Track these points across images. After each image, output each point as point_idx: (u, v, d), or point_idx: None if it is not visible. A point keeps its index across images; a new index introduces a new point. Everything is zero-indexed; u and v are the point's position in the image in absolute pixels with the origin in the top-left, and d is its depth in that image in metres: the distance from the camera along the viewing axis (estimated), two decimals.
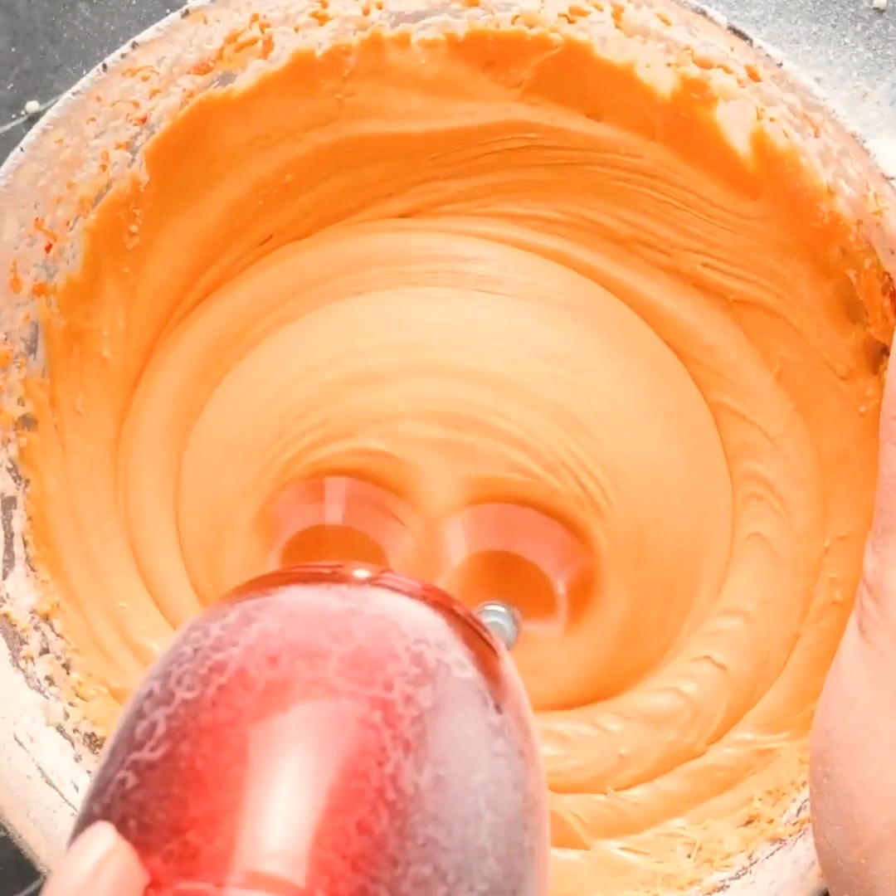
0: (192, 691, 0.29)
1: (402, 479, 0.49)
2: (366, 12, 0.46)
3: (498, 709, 0.31)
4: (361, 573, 0.33)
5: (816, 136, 0.44)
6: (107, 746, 0.30)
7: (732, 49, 0.44)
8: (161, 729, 0.29)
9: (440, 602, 0.33)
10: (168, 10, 0.45)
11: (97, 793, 0.29)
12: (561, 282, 0.51)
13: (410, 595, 0.33)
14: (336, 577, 0.33)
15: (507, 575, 0.50)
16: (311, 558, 0.52)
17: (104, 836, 0.27)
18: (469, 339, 0.50)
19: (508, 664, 0.34)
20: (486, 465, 0.48)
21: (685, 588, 0.51)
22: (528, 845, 0.30)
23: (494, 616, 0.46)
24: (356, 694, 0.29)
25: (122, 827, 0.27)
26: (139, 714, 0.29)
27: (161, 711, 0.29)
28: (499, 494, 0.49)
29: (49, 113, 0.45)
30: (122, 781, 0.28)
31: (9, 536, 0.49)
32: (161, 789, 0.27)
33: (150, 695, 0.30)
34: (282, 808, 0.27)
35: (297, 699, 0.28)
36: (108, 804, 0.28)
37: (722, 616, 0.51)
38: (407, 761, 0.28)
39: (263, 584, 0.33)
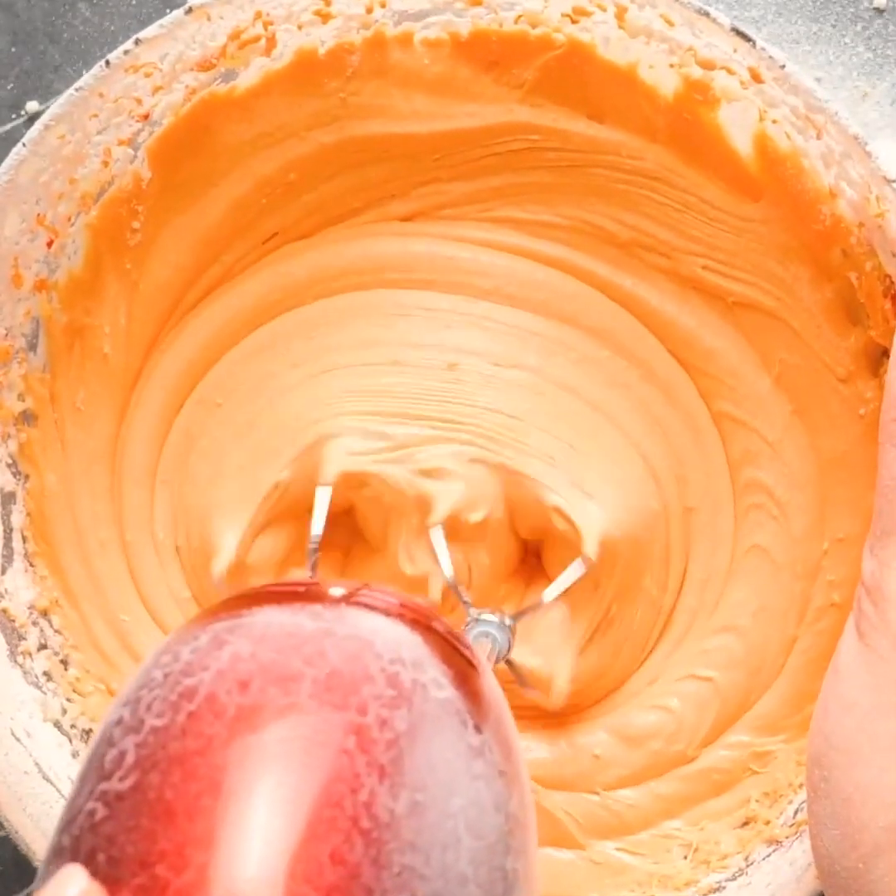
0: (162, 718, 0.28)
1: (394, 503, 0.49)
2: (369, 11, 0.46)
3: (477, 729, 0.30)
4: (336, 591, 0.33)
5: (819, 138, 0.44)
6: (77, 775, 0.29)
7: (735, 50, 0.44)
8: (130, 758, 0.28)
9: (417, 619, 0.32)
10: (168, 10, 0.45)
11: (67, 824, 0.28)
12: (565, 295, 0.51)
13: (386, 612, 0.32)
14: (310, 596, 0.32)
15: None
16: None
17: (76, 879, 0.27)
18: (471, 358, 0.50)
19: (490, 680, 0.33)
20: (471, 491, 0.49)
21: (668, 606, 0.52)
22: (512, 868, 0.30)
23: (486, 626, 0.46)
24: (329, 719, 0.28)
25: (91, 860, 0.27)
26: (109, 742, 0.29)
27: (130, 740, 0.28)
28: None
29: (52, 109, 0.45)
30: (91, 813, 0.28)
31: (8, 532, 0.49)
32: (130, 821, 0.27)
33: (119, 722, 0.29)
34: (253, 840, 0.26)
35: (269, 726, 0.28)
36: (78, 836, 0.28)
37: (716, 634, 0.51)
38: (382, 787, 0.27)
39: (236, 604, 0.32)
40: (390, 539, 0.50)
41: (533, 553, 0.52)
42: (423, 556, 0.49)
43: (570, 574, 0.48)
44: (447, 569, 0.48)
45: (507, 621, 0.46)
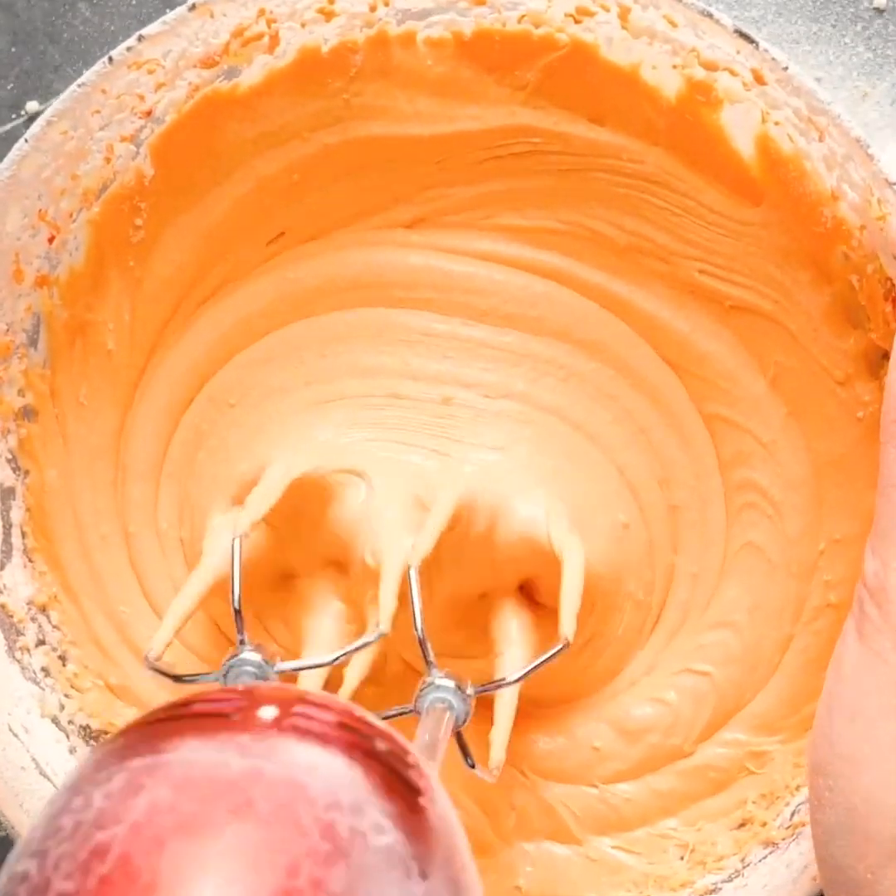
0: (71, 881, 0.25)
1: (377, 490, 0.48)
2: (372, 9, 0.46)
3: (423, 874, 0.27)
4: (268, 712, 0.29)
5: (821, 140, 0.44)
6: None
7: (738, 52, 0.44)
8: None
9: (357, 742, 0.29)
10: (168, 10, 0.45)
11: None
12: (560, 308, 0.51)
13: (323, 739, 0.29)
14: (238, 723, 0.29)
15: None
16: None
17: None
18: (465, 392, 0.51)
19: (439, 805, 0.30)
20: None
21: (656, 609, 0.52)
22: None
23: (443, 692, 0.41)
24: (257, 886, 0.25)
25: None
26: None
27: None
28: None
29: (54, 104, 0.45)
30: None
31: (7, 527, 0.49)
32: None
33: (25, 878, 0.26)
34: None
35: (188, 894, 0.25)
36: None
37: (712, 629, 0.51)
38: None
39: (156, 734, 0.29)
40: (360, 531, 0.48)
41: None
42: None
43: (547, 656, 0.43)
44: (419, 619, 0.43)
45: (469, 691, 0.42)
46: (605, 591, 0.49)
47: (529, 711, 0.51)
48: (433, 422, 0.51)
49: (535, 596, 0.50)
